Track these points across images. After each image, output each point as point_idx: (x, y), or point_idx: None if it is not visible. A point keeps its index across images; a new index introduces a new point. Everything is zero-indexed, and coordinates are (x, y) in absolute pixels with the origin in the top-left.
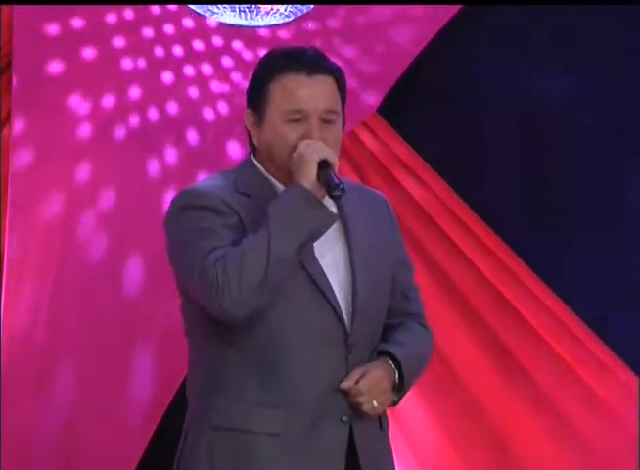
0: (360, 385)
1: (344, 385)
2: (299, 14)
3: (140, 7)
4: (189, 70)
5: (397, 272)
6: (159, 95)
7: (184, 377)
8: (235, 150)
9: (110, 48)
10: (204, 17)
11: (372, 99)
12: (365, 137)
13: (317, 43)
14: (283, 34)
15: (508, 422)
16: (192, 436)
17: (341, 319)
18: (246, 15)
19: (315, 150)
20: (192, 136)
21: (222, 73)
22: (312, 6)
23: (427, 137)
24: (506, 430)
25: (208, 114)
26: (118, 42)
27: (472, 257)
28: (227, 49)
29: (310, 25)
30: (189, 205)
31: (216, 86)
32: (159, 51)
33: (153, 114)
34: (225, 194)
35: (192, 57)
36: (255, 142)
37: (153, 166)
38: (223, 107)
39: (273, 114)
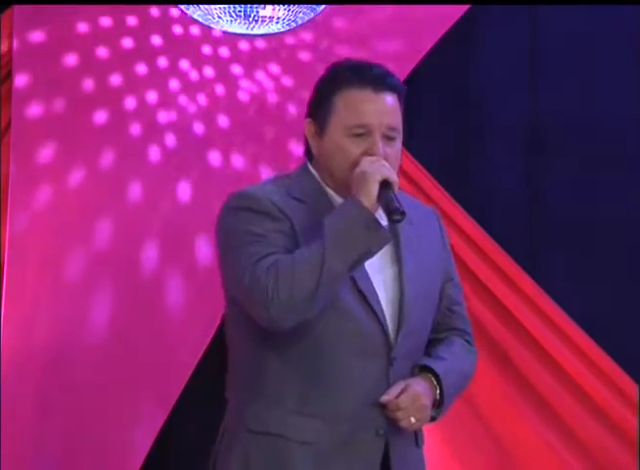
0: (400, 400)
1: (384, 399)
2: (300, 22)
3: (142, 11)
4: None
5: (445, 288)
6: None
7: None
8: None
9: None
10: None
11: None
12: None
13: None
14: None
15: (513, 433)
16: (228, 437)
17: (385, 332)
18: (248, 24)
19: (378, 169)
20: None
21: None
22: (312, 15)
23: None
24: (510, 441)
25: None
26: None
27: (480, 275)
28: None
29: (308, 35)
30: (241, 207)
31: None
32: (162, 61)
33: (162, 116)
34: (278, 198)
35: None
36: (314, 152)
37: (155, 155)
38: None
39: (336, 126)
